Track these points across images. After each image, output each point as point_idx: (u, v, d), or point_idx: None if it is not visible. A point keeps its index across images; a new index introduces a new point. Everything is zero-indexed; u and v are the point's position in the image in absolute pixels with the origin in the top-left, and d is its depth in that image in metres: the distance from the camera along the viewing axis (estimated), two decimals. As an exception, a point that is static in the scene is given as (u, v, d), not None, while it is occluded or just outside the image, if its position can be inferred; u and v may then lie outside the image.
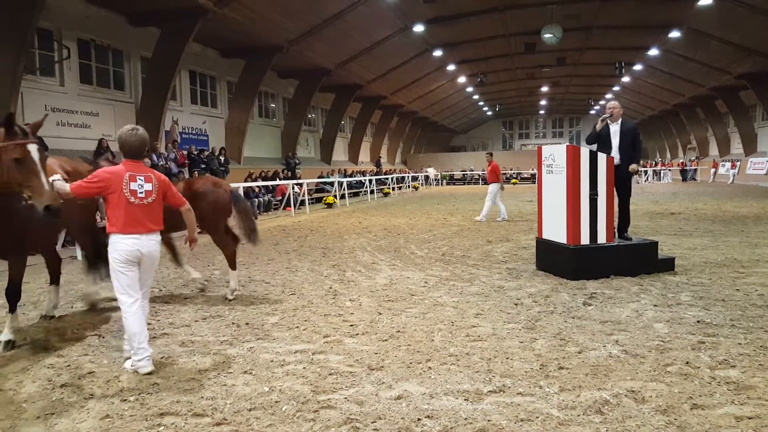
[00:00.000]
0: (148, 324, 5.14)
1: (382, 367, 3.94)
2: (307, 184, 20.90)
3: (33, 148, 3.88)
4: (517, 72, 35.75)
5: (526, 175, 42.80)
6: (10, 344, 4.43)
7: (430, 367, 3.92)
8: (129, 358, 3.99)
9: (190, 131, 20.07)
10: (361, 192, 27.51)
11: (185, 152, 17.32)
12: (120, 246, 3.87)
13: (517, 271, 7.37)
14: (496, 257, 8.54)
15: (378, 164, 37.25)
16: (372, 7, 19.98)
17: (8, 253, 4.46)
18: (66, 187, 3.94)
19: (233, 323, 5.12)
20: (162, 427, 3.07)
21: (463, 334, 4.67)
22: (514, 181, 41.57)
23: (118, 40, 16.76)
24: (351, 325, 5.01)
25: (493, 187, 14.33)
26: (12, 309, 4.54)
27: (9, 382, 3.78)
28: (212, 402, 3.38)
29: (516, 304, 5.62)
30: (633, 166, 7.17)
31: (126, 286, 3.91)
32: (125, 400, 3.45)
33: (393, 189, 30.64)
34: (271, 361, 4.11)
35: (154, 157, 14.58)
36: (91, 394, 3.54)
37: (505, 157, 49.63)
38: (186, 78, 19.95)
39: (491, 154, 15.70)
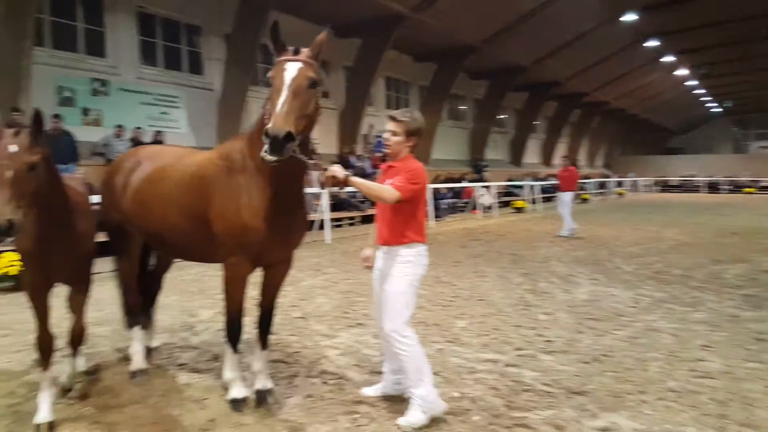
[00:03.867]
0: (346, 314, 5.46)
1: (584, 391, 3.55)
2: (495, 187, 20.43)
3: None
4: (755, 61, 30.08)
5: (765, 183, 35.74)
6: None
7: (643, 401, 3.41)
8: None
9: (383, 135, 21.23)
10: (554, 196, 26.05)
11: (379, 155, 18.35)
12: (425, 258, 3.22)
13: (759, 299, 6.09)
14: (727, 280, 7.18)
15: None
16: (574, -1, 18.74)
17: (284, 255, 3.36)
18: (369, 184, 3.11)
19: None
20: (357, 415, 3.18)
21: (685, 368, 3.97)
22: (748, 190, 35.07)
23: (326, 52, 18.31)
24: (546, 341, 4.63)
25: (567, 197, 12.52)
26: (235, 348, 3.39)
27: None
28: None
29: (758, 340, 4.62)
30: None
31: (412, 311, 3.20)
32: (326, 382, 3.66)
33: (592, 195, 28.45)
34: (460, 366, 3.99)
35: (351, 159, 15.70)
36: (297, 373, 3.83)
37: (736, 162, 42.40)
38: (382, 84, 21.12)
39: (567, 158, 13.48)
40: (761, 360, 4.11)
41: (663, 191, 38.35)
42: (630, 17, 21.12)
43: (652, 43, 24.68)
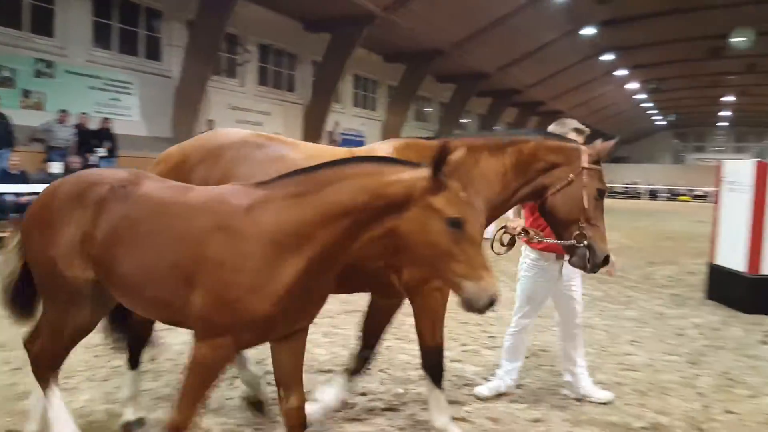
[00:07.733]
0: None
1: (520, 385, 3.75)
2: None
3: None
4: (698, 79, 31.80)
5: (699, 193, 37.97)
6: None
7: (573, 393, 3.66)
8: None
9: (348, 133, 21.30)
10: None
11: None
12: None
13: (682, 298, 6.62)
14: (657, 281, 7.75)
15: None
16: (541, 10, 19.27)
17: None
18: None
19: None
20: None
21: (613, 361, 4.29)
22: (683, 198, 37.22)
23: (294, 45, 18.34)
24: (490, 337, 4.87)
25: None
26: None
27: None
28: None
29: (678, 335, 5.04)
30: None
31: None
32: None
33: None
34: (408, 363, 4.10)
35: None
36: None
37: (675, 172, 44.78)
38: (350, 82, 21.15)
39: None
40: (678, 353, 4.50)
41: (607, 197, 39.94)
42: (589, 31, 21.90)
43: (608, 57, 25.66)
